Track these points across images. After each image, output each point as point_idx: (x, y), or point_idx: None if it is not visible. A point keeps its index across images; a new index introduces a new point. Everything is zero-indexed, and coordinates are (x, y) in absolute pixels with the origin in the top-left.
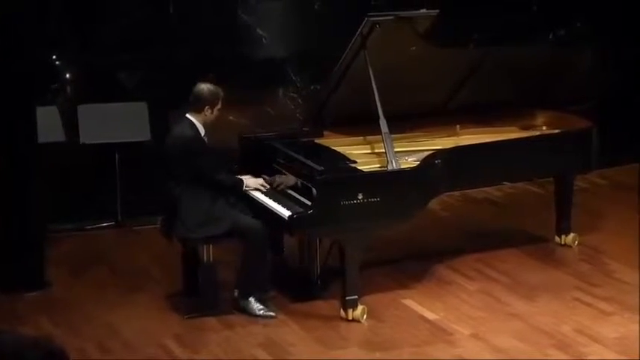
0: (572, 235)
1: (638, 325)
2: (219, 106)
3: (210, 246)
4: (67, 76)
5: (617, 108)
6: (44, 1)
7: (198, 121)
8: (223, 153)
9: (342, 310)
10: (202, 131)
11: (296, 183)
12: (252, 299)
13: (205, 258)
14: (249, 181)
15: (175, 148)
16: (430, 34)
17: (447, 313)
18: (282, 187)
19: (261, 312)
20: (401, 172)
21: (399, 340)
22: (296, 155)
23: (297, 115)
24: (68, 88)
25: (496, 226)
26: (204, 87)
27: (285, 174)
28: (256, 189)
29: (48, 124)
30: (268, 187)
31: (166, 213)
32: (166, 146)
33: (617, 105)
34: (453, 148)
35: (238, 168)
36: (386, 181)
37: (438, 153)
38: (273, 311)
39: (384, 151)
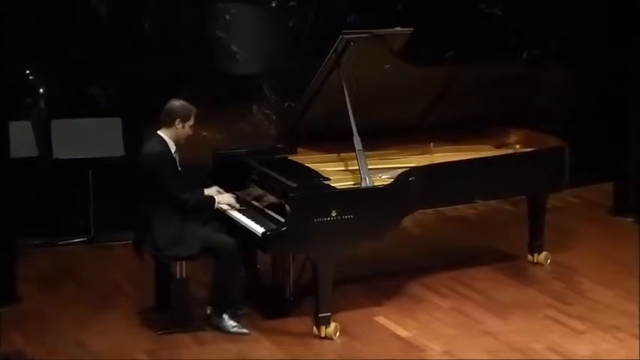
0: (544, 253)
1: (609, 343)
2: (191, 122)
3: (183, 262)
4: (41, 90)
5: (590, 127)
6: (18, 16)
7: (170, 137)
8: (196, 170)
9: (314, 327)
10: (173, 148)
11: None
12: (225, 316)
13: (178, 274)
14: (221, 197)
15: (145, 164)
16: (404, 52)
17: (419, 331)
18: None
19: (235, 329)
20: (374, 190)
21: (371, 358)
22: (269, 172)
23: (271, 131)
24: (41, 103)
25: (469, 243)
26: (176, 102)
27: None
28: (229, 205)
29: (21, 138)
30: (239, 205)
31: (137, 230)
32: (137, 162)
33: (589, 124)
34: (427, 165)
35: (212, 184)
36: (359, 198)
37: (411, 170)
38: (246, 328)
39: (357, 168)
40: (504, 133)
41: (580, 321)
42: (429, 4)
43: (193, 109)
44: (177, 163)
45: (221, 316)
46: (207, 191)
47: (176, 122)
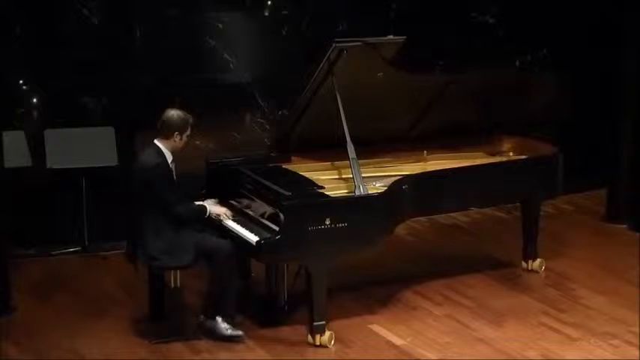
0: (538, 260)
1: (603, 350)
2: (188, 132)
3: (177, 272)
4: (34, 100)
5: (582, 134)
6: (10, 26)
7: (167, 147)
8: (190, 179)
9: (309, 336)
10: (170, 158)
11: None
12: (219, 319)
13: (172, 283)
14: (213, 208)
15: (141, 175)
16: (397, 60)
17: (413, 338)
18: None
19: (229, 332)
20: (368, 198)
21: None
22: (263, 180)
23: (265, 140)
24: (35, 113)
25: (463, 251)
26: (174, 113)
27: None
28: (220, 216)
29: (15, 148)
30: (232, 216)
31: (131, 239)
32: (133, 172)
33: (582, 131)
34: (421, 173)
35: (205, 193)
36: (353, 206)
37: (405, 178)
38: (239, 331)
39: (351, 176)
40: (498, 140)
41: (574, 328)
42: (422, 12)
43: (190, 119)
44: (174, 174)
45: (214, 318)
46: (207, 203)
47: (174, 135)
